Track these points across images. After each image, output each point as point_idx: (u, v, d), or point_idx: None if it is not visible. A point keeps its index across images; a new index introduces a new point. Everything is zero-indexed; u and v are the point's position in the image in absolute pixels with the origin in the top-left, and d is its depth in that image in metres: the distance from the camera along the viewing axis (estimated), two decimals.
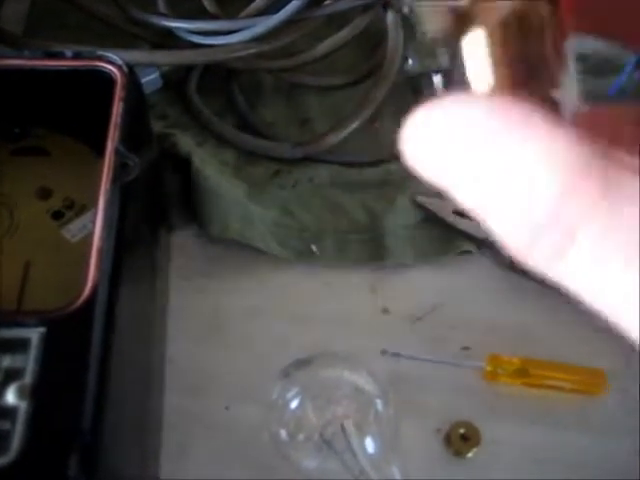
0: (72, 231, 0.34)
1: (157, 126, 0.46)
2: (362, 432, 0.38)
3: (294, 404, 0.38)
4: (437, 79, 0.56)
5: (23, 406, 0.24)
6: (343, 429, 0.38)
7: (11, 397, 0.24)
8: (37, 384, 0.24)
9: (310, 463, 0.37)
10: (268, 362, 0.40)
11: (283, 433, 0.38)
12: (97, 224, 0.29)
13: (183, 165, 0.45)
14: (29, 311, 0.29)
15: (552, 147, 0.13)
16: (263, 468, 0.37)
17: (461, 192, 0.14)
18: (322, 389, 0.39)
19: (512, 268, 0.45)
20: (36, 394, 0.24)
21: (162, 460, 0.36)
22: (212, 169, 0.46)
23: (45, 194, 0.35)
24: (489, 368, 0.41)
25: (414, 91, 0.53)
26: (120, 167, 0.31)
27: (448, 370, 0.41)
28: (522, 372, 0.41)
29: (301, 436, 0.38)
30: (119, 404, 0.28)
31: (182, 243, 0.45)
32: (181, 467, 0.37)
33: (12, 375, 0.24)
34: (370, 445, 0.37)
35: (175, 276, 0.43)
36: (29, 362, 0.25)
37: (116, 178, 0.31)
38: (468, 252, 0.45)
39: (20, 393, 0.24)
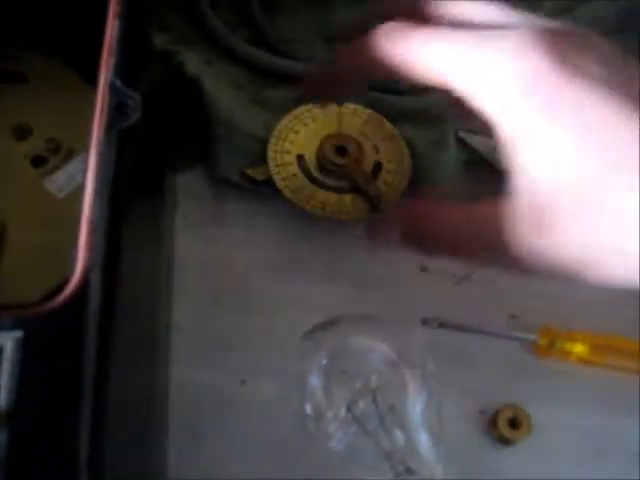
0: (58, 182, 0.27)
1: (158, 41, 0.38)
2: (397, 409, 0.33)
3: (318, 372, 0.34)
4: None
5: None
6: (375, 403, 0.33)
7: None
8: (14, 407, 0.19)
9: (338, 443, 0.32)
10: (290, 327, 0.35)
11: (306, 406, 0.33)
12: (87, 188, 0.22)
13: (189, 90, 0.38)
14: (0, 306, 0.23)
15: None
16: (283, 450, 0.33)
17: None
18: (350, 357, 0.34)
19: None
20: (13, 421, 0.19)
21: (170, 443, 0.31)
22: (225, 93, 0.39)
23: (23, 133, 0.28)
24: (542, 342, 0.36)
25: None
26: (116, 108, 0.24)
27: (494, 341, 0.36)
28: (578, 348, 0.36)
29: (326, 410, 0.33)
30: (122, 415, 0.22)
31: (189, 185, 0.38)
32: (191, 450, 0.32)
33: None
34: (406, 423, 0.33)
35: (181, 225, 0.37)
36: (1, 379, 0.19)
37: (112, 123, 0.24)
38: None
39: None
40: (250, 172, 0.38)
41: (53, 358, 0.20)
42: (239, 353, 0.34)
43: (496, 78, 0.24)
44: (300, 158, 0.38)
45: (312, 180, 0.38)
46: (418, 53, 0.26)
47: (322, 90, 0.31)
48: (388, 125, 0.40)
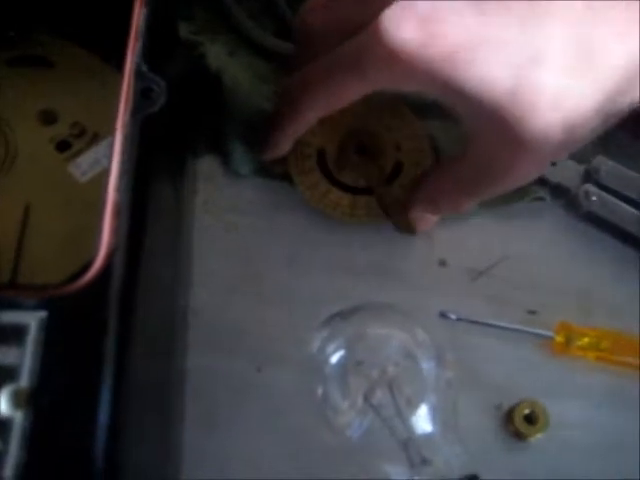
0: (82, 167, 0.27)
1: (183, 31, 0.38)
2: (413, 400, 0.33)
3: (335, 361, 0.34)
4: None
5: (18, 418, 0.19)
6: (392, 393, 0.33)
7: (3, 405, 0.19)
8: (36, 388, 0.19)
9: (354, 432, 0.32)
10: (307, 318, 0.35)
11: (322, 395, 0.33)
12: (113, 171, 0.22)
13: (210, 82, 0.38)
14: (25, 286, 0.24)
15: None
16: (298, 439, 0.33)
17: None
18: (368, 347, 0.34)
19: (590, 219, 0.39)
20: (35, 401, 0.19)
21: (186, 429, 0.32)
22: (247, 86, 0.39)
23: (49, 118, 0.28)
24: (559, 339, 0.35)
25: None
26: (142, 94, 0.24)
27: (512, 337, 0.36)
28: (596, 345, 0.35)
29: (343, 399, 0.33)
30: (141, 399, 0.22)
31: (209, 171, 0.38)
32: (205, 438, 0.32)
33: (4, 376, 0.19)
34: (423, 414, 0.33)
35: (201, 211, 0.37)
36: (25, 358, 0.19)
37: (137, 108, 0.24)
38: (540, 199, 0.39)
39: (14, 400, 0.19)
40: (269, 165, 0.38)
41: (76, 339, 0.20)
42: (256, 340, 0.35)
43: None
44: (321, 153, 0.38)
45: (329, 177, 0.37)
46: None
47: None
48: (416, 123, 0.38)
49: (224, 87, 0.38)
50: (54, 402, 0.19)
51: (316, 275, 0.37)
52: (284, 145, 0.36)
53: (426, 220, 0.36)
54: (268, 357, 0.34)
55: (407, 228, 0.36)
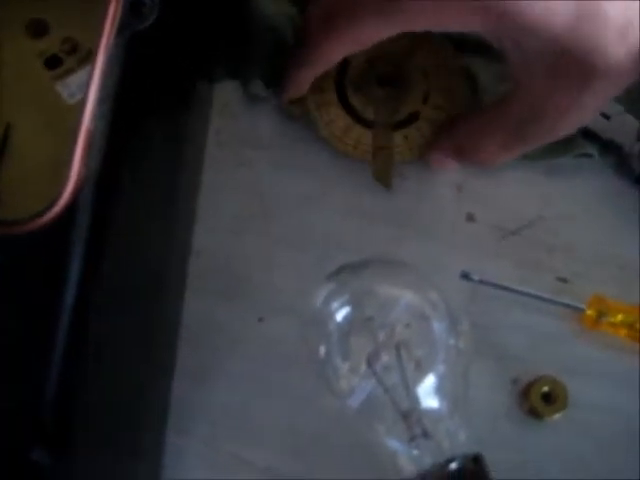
0: (70, 87, 0.25)
1: None
2: (421, 365, 0.31)
3: (341, 317, 0.31)
4: None
5: None
6: (399, 357, 0.31)
7: None
8: None
9: (354, 400, 0.30)
10: (316, 265, 0.32)
11: (324, 353, 0.31)
12: (90, 95, 0.20)
13: None
14: None
15: None
16: (295, 396, 0.31)
17: None
18: (377, 305, 0.32)
19: None
20: None
21: (176, 380, 0.30)
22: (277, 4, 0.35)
23: (39, 29, 0.25)
24: (591, 312, 0.32)
25: None
26: (131, 7, 0.21)
27: (537, 306, 0.33)
28: (630, 324, 0.32)
29: (344, 360, 0.31)
30: (107, 353, 0.20)
31: (225, 100, 0.35)
32: (199, 389, 0.30)
33: None
34: (429, 382, 0.30)
35: (213, 143, 0.34)
36: None
37: (125, 24, 0.21)
38: (587, 156, 0.35)
39: None
40: (286, 106, 0.34)
41: (29, 288, 0.18)
42: (259, 287, 0.32)
43: None
44: (344, 63, 0.33)
45: (338, 89, 0.33)
46: None
47: None
48: (462, 80, 0.34)
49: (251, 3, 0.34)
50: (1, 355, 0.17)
51: (330, 219, 0.34)
52: (303, 86, 0.33)
53: (446, 162, 0.33)
54: (271, 306, 0.32)
55: (385, 180, 0.33)
